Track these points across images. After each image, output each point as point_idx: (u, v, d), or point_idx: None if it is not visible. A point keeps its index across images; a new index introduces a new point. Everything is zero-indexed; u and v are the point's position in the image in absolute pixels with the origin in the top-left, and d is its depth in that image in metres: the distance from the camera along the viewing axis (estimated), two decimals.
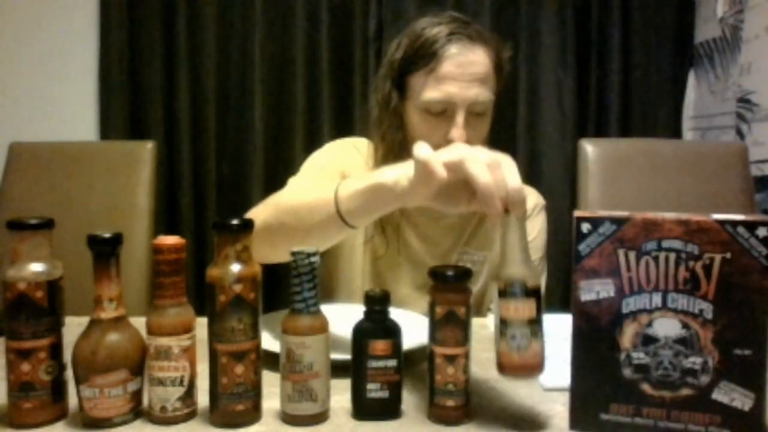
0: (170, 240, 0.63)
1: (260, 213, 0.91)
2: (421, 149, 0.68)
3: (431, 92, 1.04)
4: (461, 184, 0.69)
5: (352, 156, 1.17)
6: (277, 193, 0.96)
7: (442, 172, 0.66)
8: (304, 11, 1.95)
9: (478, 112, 1.06)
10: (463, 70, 1.03)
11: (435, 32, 1.05)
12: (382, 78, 1.12)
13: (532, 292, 0.62)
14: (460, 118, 1.04)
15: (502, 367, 0.64)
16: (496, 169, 0.64)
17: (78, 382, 0.63)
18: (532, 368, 0.63)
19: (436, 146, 1.05)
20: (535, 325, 0.63)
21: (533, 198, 1.26)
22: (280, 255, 0.85)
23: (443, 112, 1.05)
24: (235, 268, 0.63)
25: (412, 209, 1.17)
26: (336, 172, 1.11)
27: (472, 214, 1.21)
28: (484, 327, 1.01)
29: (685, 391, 0.60)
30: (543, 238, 1.25)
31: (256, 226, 0.90)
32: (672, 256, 0.60)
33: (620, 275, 0.61)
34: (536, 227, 1.24)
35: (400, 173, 0.72)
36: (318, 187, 0.85)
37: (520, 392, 0.74)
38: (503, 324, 0.63)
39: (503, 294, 0.63)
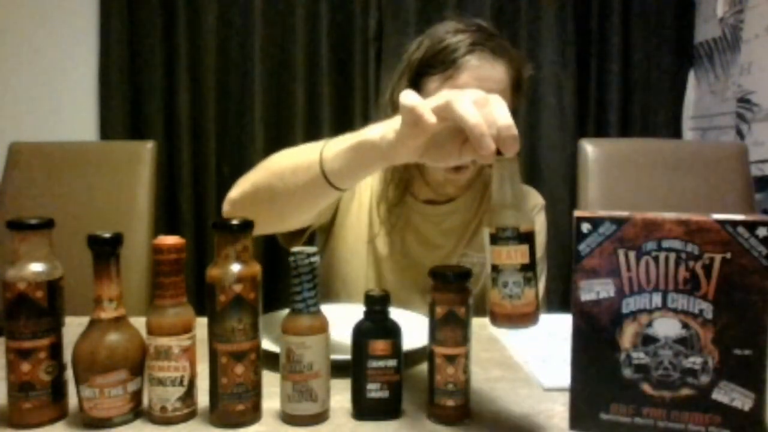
0: (170, 240, 0.63)
1: (251, 176, 0.89)
2: (408, 96, 0.64)
3: None
4: (450, 136, 0.67)
5: None
6: (269, 156, 0.93)
7: (430, 117, 0.62)
8: (304, 11, 1.96)
9: None
10: (480, 84, 1.00)
11: (458, 39, 1.03)
12: (398, 76, 1.10)
13: (524, 237, 0.59)
14: None
15: (495, 317, 0.61)
16: (484, 107, 0.61)
17: (78, 382, 0.63)
18: (526, 317, 0.60)
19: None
20: (528, 271, 0.59)
21: (533, 198, 1.26)
22: (269, 221, 0.83)
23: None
24: (235, 268, 0.63)
25: (412, 213, 1.17)
26: None
27: (473, 216, 1.21)
28: (484, 327, 1.01)
29: (685, 391, 0.60)
30: (543, 237, 1.25)
31: (245, 189, 0.88)
32: (672, 256, 0.60)
33: (620, 275, 0.61)
34: (536, 227, 1.24)
35: (386, 128, 0.69)
36: (307, 150, 0.82)
37: (520, 392, 0.74)
38: (495, 271, 0.60)
39: (495, 239, 0.60)
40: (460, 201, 1.19)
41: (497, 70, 1.04)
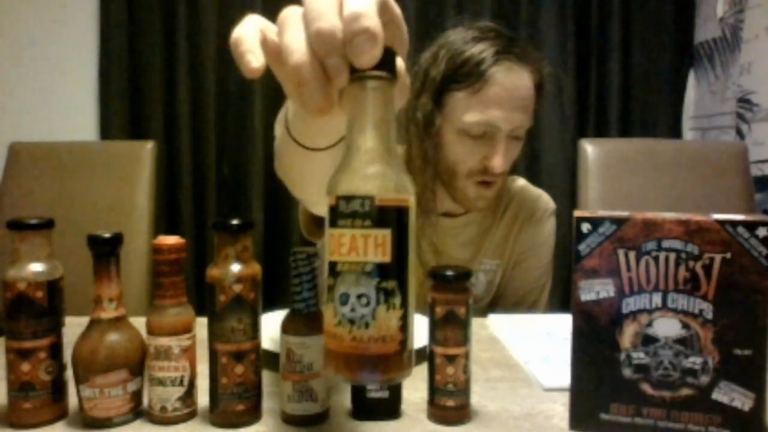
0: (170, 240, 0.63)
1: None
2: (242, 26, 0.44)
3: (474, 115, 1.00)
4: None
5: None
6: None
7: (252, 61, 0.42)
8: None
9: (517, 135, 1.04)
10: (510, 94, 1.00)
11: (480, 49, 1.00)
12: (416, 92, 1.05)
13: (384, 215, 0.36)
14: (501, 146, 1.01)
15: (327, 356, 0.37)
16: (324, 38, 0.38)
17: (78, 382, 0.63)
18: (381, 363, 0.36)
19: (471, 169, 1.04)
20: (387, 278, 0.36)
21: (544, 202, 1.24)
22: (285, 179, 0.72)
23: (482, 135, 1.02)
24: (235, 268, 0.62)
25: (428, 226, 1.12)
26: None
27: (489, 225, 1.17)
28: (484, 327, 1.01)
29: (685, 391, 0.60)
30: (551, 244, 1.22)
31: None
32: (672, 256, 0.60)
33: (620, 275, 0.61)
34: (545, 230, 1.22)
35: None
36: None
37: (520, 392, 0.74)
38: (332, 273, 0.37)
39: (334, 217, 0.37)
40: (476, 212, 1.16)
41: (524, 78, 1.01)
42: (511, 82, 1.00)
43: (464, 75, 1.00)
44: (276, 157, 0.72)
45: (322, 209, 0.84)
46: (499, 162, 1.01)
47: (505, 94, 0.99)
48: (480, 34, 1.03)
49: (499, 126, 1.00)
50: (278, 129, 0.66)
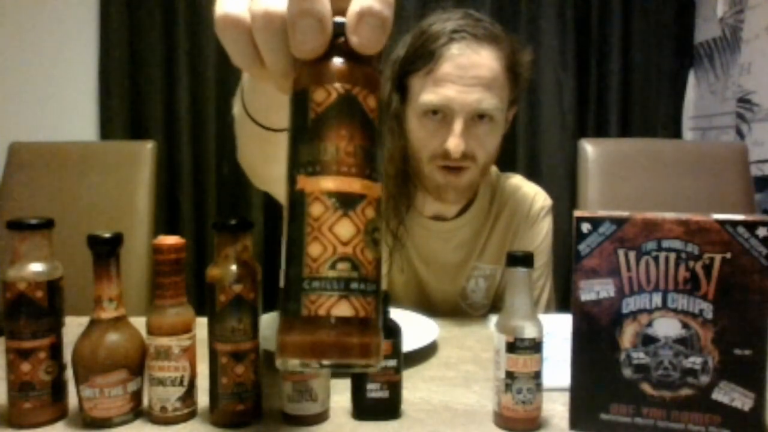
0: (170, 240, 0.63)
1: None
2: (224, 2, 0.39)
3: (427, 95, 0.96)
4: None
5: None
6: None
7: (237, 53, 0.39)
8: None
9: (483, 115, 0.97)
10: (463, 72, 0.94)
11: (438, 29, 0.96)
12: (384, 78, 1.01)
13: (539, 346, 0.63)
14: (457, 126, 0.95)
15: (505, 420, 0.64)
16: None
17: (78, 382, 0.63)
18: (534, 421, 0.64)
19: (432, 152, 1.00)
20: (539, 378, 0.64)
21: (540, 200, 1.20)
22: (242, 160, 0.70)
23: (443, 119, 0.97)
24: (235, 268, 0.62)
25: (419, 230, 1.10)
26: None
27: (481, 226, 1.14)
28: (484, 327, 1.01)
29: (685, 391, 0.60)
30: (548, 242, 1.19)
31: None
32: (672, 256, 0.60)
33: (620, 275, 0.61)
34: (542, 231, 1.18)
35: None
36: None
37: None
38: (509, 377, 0.63)
39: (512, 348, 0.63)
40: (470, 214, 1.12)
41: (482, 57, 0.94)
42: (465, 59, 0.94)
43: (420, 56, 0.96)
44: (237, 143, 0.68)
45: (255, 166, 0.73)
46: (454, 143, 0.95)
47: (457, 72, 0.94)
48: (447, 16, 0.98)
49: (452, 107, 0.95)
50: (236, 107, 0.61)
